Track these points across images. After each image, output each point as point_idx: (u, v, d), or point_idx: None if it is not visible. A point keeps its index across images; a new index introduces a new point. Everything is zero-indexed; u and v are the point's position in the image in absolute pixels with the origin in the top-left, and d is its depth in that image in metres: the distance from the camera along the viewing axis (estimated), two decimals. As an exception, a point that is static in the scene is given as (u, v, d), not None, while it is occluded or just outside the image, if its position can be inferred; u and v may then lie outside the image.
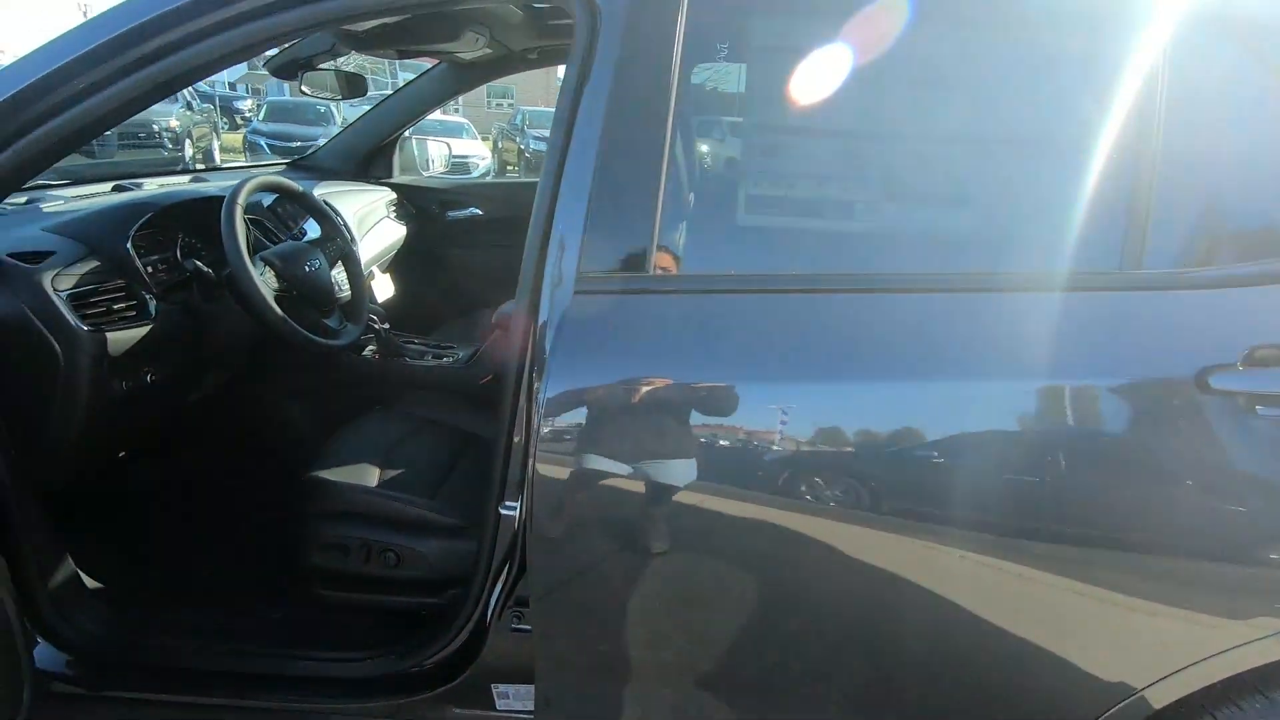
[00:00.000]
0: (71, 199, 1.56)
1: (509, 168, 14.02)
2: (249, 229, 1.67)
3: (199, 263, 1.44)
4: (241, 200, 1.43)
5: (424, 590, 1.40)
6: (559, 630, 1.06)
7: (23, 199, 1.50)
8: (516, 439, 1.04)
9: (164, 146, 10.16)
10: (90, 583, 1.38)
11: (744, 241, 1.01)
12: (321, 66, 1.83)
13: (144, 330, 1.32)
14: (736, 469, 0.94)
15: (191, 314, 1.47)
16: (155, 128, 10.22)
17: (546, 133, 1.03)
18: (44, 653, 1.26)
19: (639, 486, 0.95)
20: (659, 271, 0.96)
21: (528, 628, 1.13)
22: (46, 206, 1.47)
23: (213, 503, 1.76)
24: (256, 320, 1.43)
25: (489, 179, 10.31)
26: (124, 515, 1.58)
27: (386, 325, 1.95)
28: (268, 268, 1.49)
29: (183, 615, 1.41)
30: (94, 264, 1.29)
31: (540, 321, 0.96)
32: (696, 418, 0.93)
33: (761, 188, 1.01)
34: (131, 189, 1.69)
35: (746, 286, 0.94)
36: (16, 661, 1.11)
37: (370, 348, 1.96)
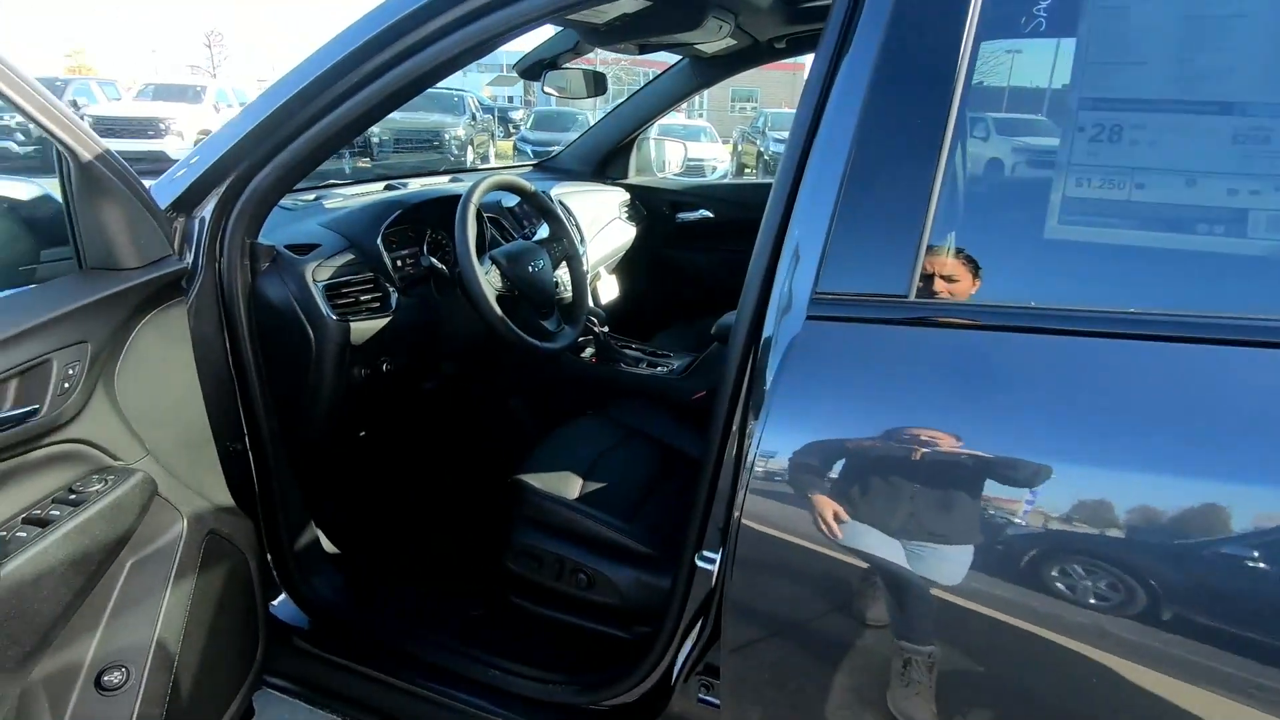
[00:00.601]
0: (350, 196, 1.71)
1: (746, 170, 13.94)
2: (486, 227, 1.71)
3: (434, 259, 1.49)
4: (475, 199, 1.44)
5: (613, 620, 1.31)
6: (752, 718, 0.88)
7: (311, 195, 1.68)
8: (722, 482, 0.87)
9: (450, 152, 11.76)
10: (329, 548, 1.50)
11: (1056, 261, 0.73)
12: (565, 66, 1.83)
13: (384, 322, 1.39)
14: (1019, 566, 0.68)
15: (428, 308, 1.53)
16: (445, 135, 11.88)
17: (787, 134, 0.84)
18: (286, 608, 1.38)
19: (869, 564, 0.74)
20: (926, 297, 0.72)
21: (715, 702, 0.96)
22: (329, 203, 1.62)
23: (434, 489, 1.85)
24: (479, 317, 1.44)
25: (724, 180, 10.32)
26: (359, 490, 1.71)
27: (605, 329, 1.91)
28: (494, 266, 1.50)
29: (399, 594, 1.48)
30: (350, 257, 1.38)
31: (762, 346, 0.78)
32: (966, 490, 0.69)
33: (1089, 187, 0.71)
34: (399, 188, 1.83)
35: (1063, 325, 0.67)
36: (254, 613, 1.21)
37: (589, 350, 1.93)
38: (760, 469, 0.76)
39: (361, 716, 1.32)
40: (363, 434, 1.61)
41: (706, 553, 0.91)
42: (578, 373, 1.90)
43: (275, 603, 1.36)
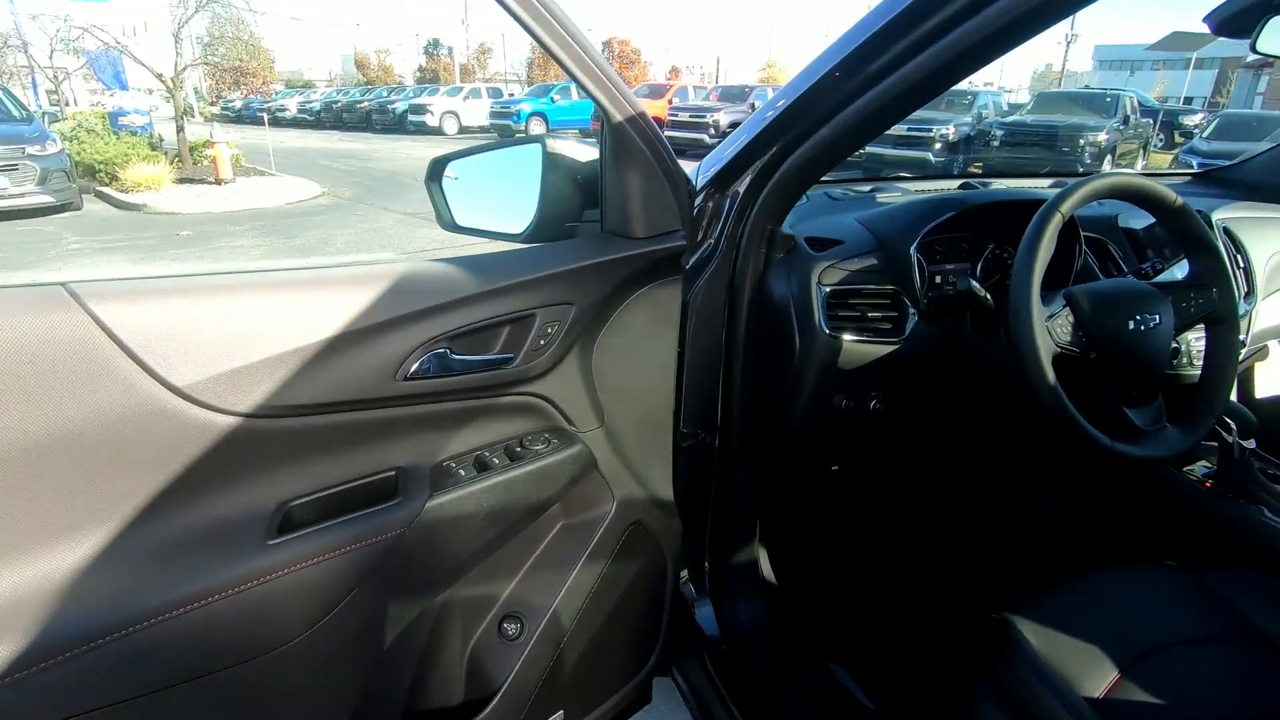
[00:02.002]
0: (913, 192, 1.44)
1: None
2: (1080, 251, 1.21)
3: (976, 283, 1.10)
4: (1067, 207, 0.99)
5: None
6: None
7: (868, 187, 1.48)
8: None
9: (1081, 161, 10.05)
10: (766, 574, 1.35)
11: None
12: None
13: (887, 349, 1.10)
14: None
15: (955, 344, 1.16)
16: (1081, 140, 10.21)
17: None
18: (705, 614, 1.30)
19: None
20: None
21: None
22: (882, 196, 1.39)
23: (903, 551, 1.49)
24: (1022, 375, 1.00)
25: None
26: (816, 526, 1.49)
27: (1250, 442, 1.17)
28: (1065, 308, 1.02)
29: (824, 654, 1.24)
30: (871, 262, 1.13)
31: None
32: None
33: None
34: (975, 188, 1.47)
35: None
36: (659, 609, 1.13)
37: (1200, 464, 1.23)
38: None
39: None
40: (835, 468, 1.38)
41: None
42: (1174, 495, 1.23)
43: (697, 609, 1.28)
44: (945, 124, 10.82)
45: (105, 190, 9.03)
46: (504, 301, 0.81)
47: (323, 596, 0.70)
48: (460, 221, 1.12)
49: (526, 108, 17.95)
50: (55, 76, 16.69)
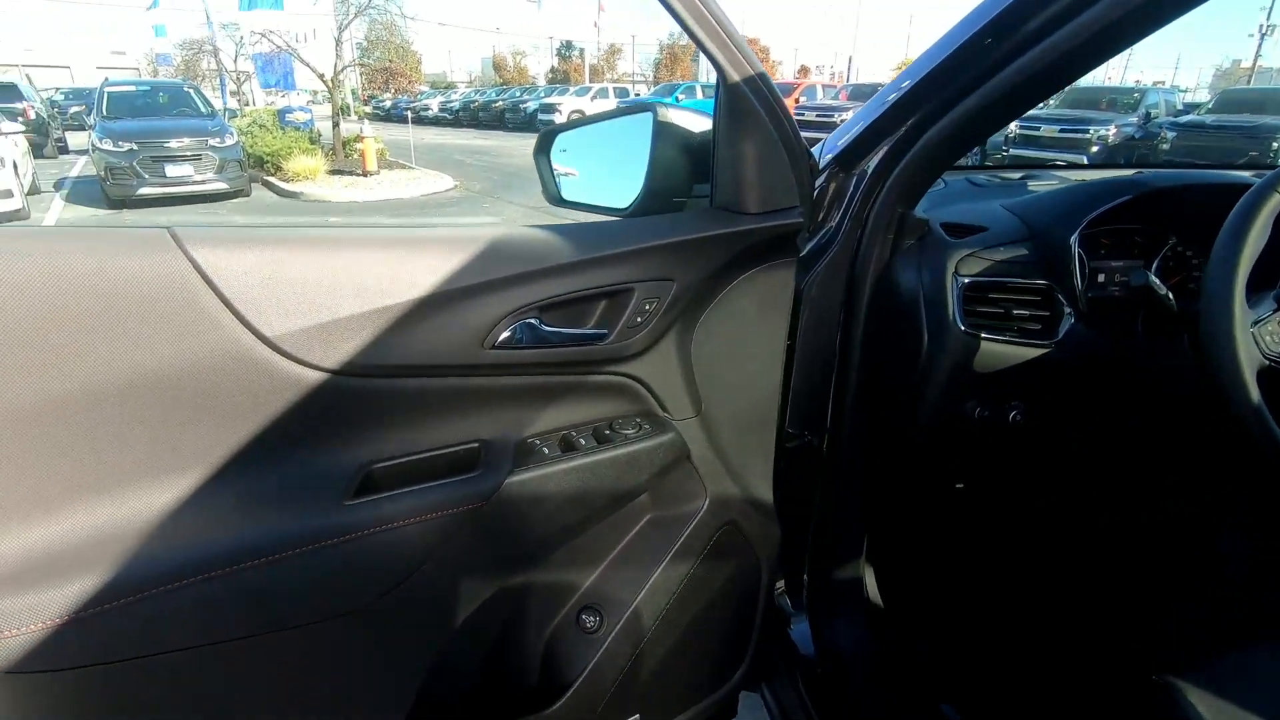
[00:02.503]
0: (1073, 181, 1.27)
1: None
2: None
3: (1156, 279, 0.92)
4: None
5: None
6: None
7: (1018, 174, 1.32)
8: None
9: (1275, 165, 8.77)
10: (872, 594, 1.23)
11: None
12: None
13: (1033, 353, 0.95)
14: None
15: (1119, 350, 0.99)
16: (1276, 144, 8.90)
17: None
18: (800, 632, 1.20)
19: None
20: None
21: None
22: (1035, 184, 1.23)
23: (1037, 587, 1.31)
24: (1215, 389, 0.83)
25: None
26: (932, 548, 1.34)
27: None
28: (1277, 313, 0.83)
29: (932, 686, 1.11)
30: (1021, 252, 0.98)
31: None
32: None
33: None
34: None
35: None
36: (750, 619, 1.05)
37: None
38: None
39: None
40: (960, 486, 1.23)
41: None
42: None
43: (792, 624, 1.18)
44: (1105, 124, 9.78)
45: (270, 179, 10.00)
46: (600, 273, 0.76)
47: (397, 563, 0.68)
48: (566, 196, 1.08)
49: (649, 109, 18.18)
50: (238, 78, 18.73)
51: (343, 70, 12.63)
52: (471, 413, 0.74)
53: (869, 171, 0.99)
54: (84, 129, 9.13)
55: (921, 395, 0.98)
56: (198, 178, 8.56)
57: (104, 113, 9.09)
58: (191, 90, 10.34)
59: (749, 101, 0.79)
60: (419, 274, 0.66)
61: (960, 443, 1.06)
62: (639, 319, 0.79)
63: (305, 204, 8.97)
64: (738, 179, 0.84)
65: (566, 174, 1.07)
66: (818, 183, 1.08)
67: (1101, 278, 1.03)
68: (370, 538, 0.66)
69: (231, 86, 18.91)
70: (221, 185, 8.71)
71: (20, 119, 10.77)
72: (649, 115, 0.95)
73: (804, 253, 1.05)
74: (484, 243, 0.70)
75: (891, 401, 1.04)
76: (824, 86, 16.83)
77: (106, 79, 10.28)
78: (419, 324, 0.66)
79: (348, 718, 0.72)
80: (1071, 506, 1.33)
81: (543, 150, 1.08)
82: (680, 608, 0.93)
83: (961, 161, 1.19)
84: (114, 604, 0.55)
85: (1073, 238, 0.97)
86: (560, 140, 1.08)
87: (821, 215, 1.06)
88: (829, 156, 1.07)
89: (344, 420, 0.66)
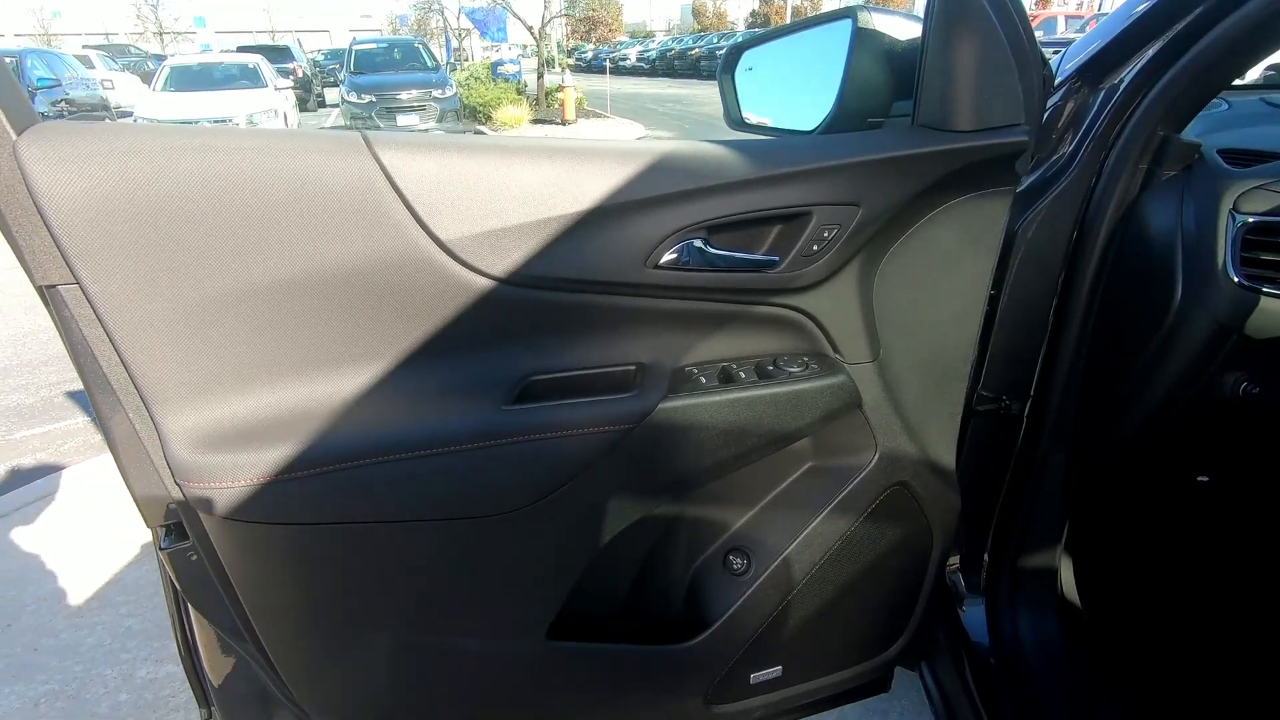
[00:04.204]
0: None
1: None
2: None
3: None
4: None
5: None
6: None
7: None
8: None
9: None
10: (1068, 590, 1.08)
11: None
12: None
13: None
14: None
15: None
16: None
17: None
18: (974, 616, 1.09)
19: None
20: None
21: None
22: None
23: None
24: None
25: None
26: (1156, 547, 1.13)
27: None
28: None
29: (1133, 703, 0.97)
30: None
31: None
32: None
33: None
34: None
35: None
36: (915, 590, 0.96)
37: None
38: None
39: None
40: (1204, 479, 1.01)
41: None
42: None
43: (965, 606, 1.07)
44: None
45: (481, 128, 10.79)
46: (775, 193, 0.69)
47: (549, 473, 0.69)
48: (749, 118, 1.01)
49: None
50: (459, 35, 20.26)
51: (549, 21, 13.15)
52: (631, 333, 0.72)
53: (1122, 85, 0.81)
54: (338, 85, 10.50)
55: (1161, 361, 0.80)
56: (421, 126, 9.47)
57: (352, 69, 10.33)
58: (420, 46, 11.37)
59: None
60: (587, 186, 0.65)
61: (1212, 425, 0.86)
62: (815, 247, 0.72)
63: (510, 151, 9.58)
64: (947, 88, 0.72)
65: (753, 94, 1.00)
66: (1051, 100, 0.91)
67: None
68: (526, 444, 0.67)
69: (455, 44, 20.52)
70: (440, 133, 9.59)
71: (291, 77, 12.59)
72: (847, 23, 0.85)
73: (1024, 186, 0.89)
74: (652, 157, 0.67)
75: (1123, 369, 0.86)
76: (1068, 18, 14.39)
77: (355, 38, 11.64)
78: (583, 237, 0.65)
79: (498, 613, 0.76)
80: None
81: (727, 69, 1.01)
82: (835, 565, 0.86)
83: (1253, 77, 0.94)
84: (306, 473, 0.61)
85: None
86: (747, 58, 1.01)
87: (1054, 142, 0.90)
88: (1069, 70, 0.89)
89: (506, 328, 0.67)
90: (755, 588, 0.85)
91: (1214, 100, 1.01)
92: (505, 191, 0.63)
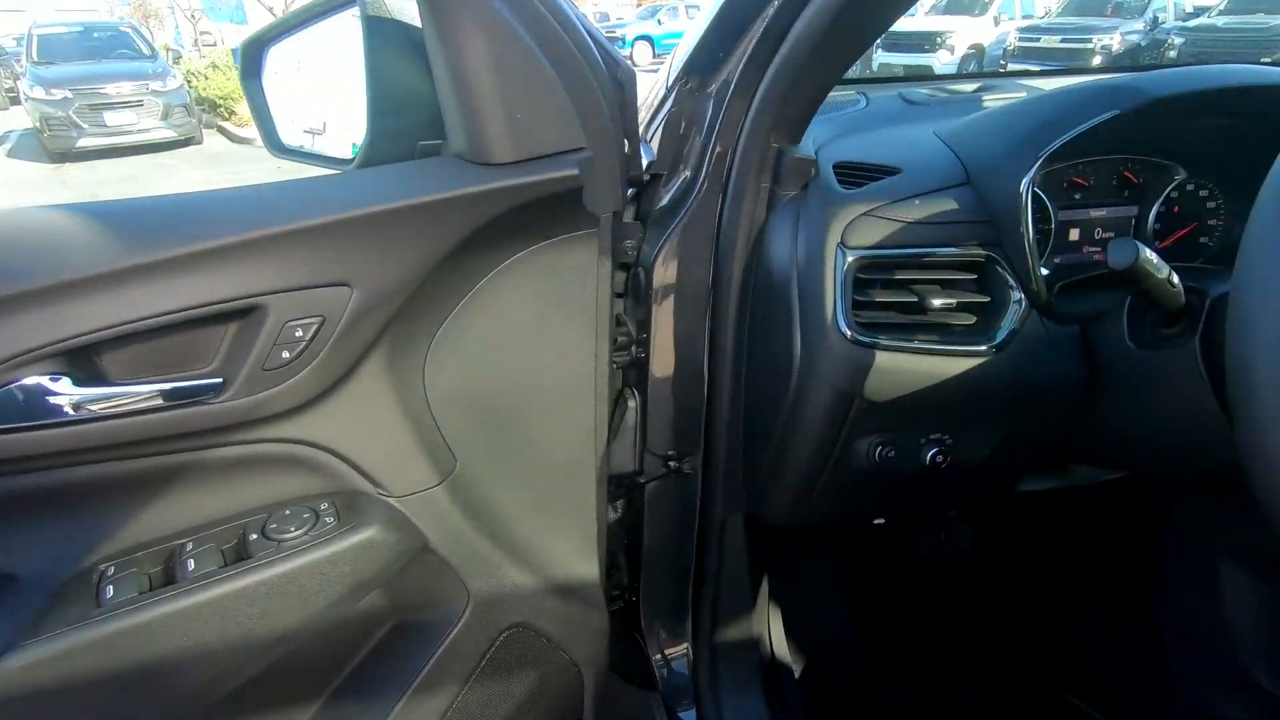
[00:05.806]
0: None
1: None
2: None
3: (1147, 251, 0.57)
4: None
5: None
6: None
7: (973, 86, 0.96)
8: None
9: None
10: (780, 653, 0.95)
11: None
12: None
13: (963, 366, 0.64)
14: None
15: (1098, 362, 0.67)
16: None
17: None
18: None
19: None
20: None
21: None
22: (992, 98, 0.89)
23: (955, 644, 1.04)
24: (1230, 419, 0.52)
25: None
26: (854, 592, 1.05)
27: None
28: None
29: None
30: (947, 206, 0.66)
31: None
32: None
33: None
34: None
35: None
36: None
37: None
38: None
39: None
40: (881, 521, 0.93)
41: None
42: None
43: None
44: (1109, 32, 9.01)
45: (225, 125, 9.39)
46: (192, 284, 0.44)
47: None
48: (286, 139, 0.75)
49: (631, 33, 16.25)
50: (192, 17, 17.62)
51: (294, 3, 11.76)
52: None
53: (732, 86, 0.66)
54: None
55: (796, 427, 0.67)
56: (140, 126, 8.00)
57: (34, 58, 8.45)
58: (130, 30, 9.61)
59: None
60: None
61: (860, 490, 0.75)
62: (286, 354, 0.47)
63: (258, 150, 8.44)
64: (465, 105, 0.51)
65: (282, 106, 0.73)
66: (666, 107, 0.74)
67: (1073, 236, 0.70)
68: None
69: (188, 27, 17.79)
70: (169, 133, 8.17)
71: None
72: (355, 9, 0.61)
73: (658, 209, 0.72)
74: None
75: (769, 434, 0.73)
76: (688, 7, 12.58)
77: (35, 21, 9.55)
78: None
79: None
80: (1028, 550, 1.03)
81: (250, 73, 0.73)
82: None
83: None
84: None
85: (1025, 179, 0.63)
86: (272, 56, 0.73)
87: (673, 157, 0.73)
88: (678, 70, 0.73)
89: None
90: None
91: (853, 97, 0.92)
92: None
